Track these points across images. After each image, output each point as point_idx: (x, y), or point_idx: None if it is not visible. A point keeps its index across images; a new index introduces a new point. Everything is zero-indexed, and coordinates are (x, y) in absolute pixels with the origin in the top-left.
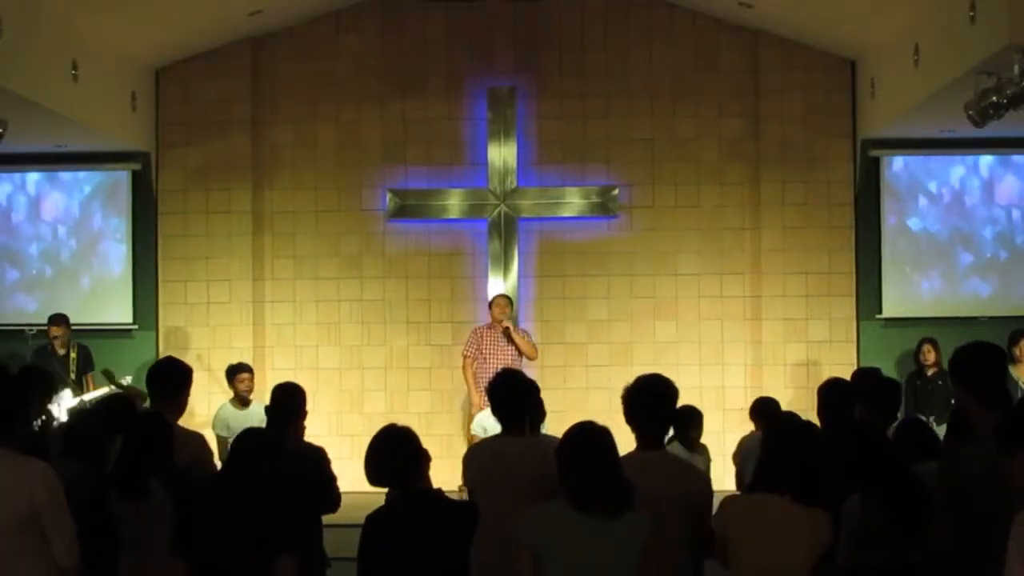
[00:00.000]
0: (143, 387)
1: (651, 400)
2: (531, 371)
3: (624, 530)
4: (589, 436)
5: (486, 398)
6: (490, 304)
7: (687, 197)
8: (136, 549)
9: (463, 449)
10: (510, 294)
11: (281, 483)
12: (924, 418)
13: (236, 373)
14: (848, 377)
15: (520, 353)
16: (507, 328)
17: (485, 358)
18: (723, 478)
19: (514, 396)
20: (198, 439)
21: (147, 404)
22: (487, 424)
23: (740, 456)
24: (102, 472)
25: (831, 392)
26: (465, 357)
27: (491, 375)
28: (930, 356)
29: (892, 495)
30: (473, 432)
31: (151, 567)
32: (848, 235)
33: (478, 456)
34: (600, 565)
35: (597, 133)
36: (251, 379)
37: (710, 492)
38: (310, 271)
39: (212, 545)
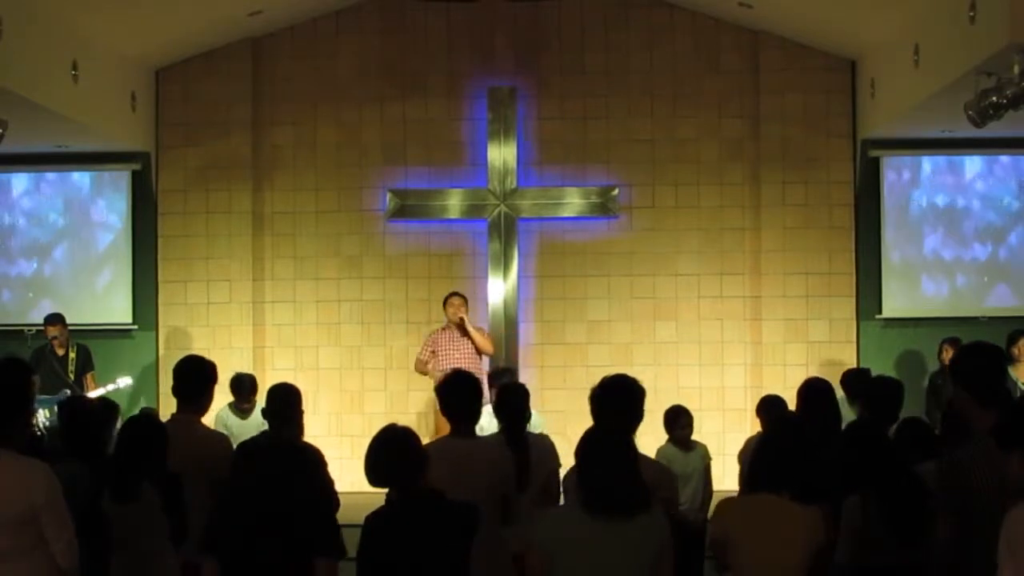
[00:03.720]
0: (142, 388)
1: (617, 398)
2: (530, 372)
3: (639, 532)
4: (604, 437)
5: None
6: (444, 304)
7: (687, 197)
8: (126, 550)
9: None
10: (510, 294)
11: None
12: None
13: (239, 394)
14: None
15: (477, 349)
16: (461, 319)
17: (440, 359)
18: (723, 478)
19: (463, 397)
20: (221, 440)
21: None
22: (483, 423)
23: (746, 456)
24: (101, 473)
25: (810, 392)
26: (418, 361)
27: None
28: (947, 356)
29: (892, 495)
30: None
31: (141, 568)
32: (848, 235)
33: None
34: (614, 567)
35: (597, 133)
36: (251, 401)
37: (676, 495)
38: (310, 271)
39: (244, 546)
